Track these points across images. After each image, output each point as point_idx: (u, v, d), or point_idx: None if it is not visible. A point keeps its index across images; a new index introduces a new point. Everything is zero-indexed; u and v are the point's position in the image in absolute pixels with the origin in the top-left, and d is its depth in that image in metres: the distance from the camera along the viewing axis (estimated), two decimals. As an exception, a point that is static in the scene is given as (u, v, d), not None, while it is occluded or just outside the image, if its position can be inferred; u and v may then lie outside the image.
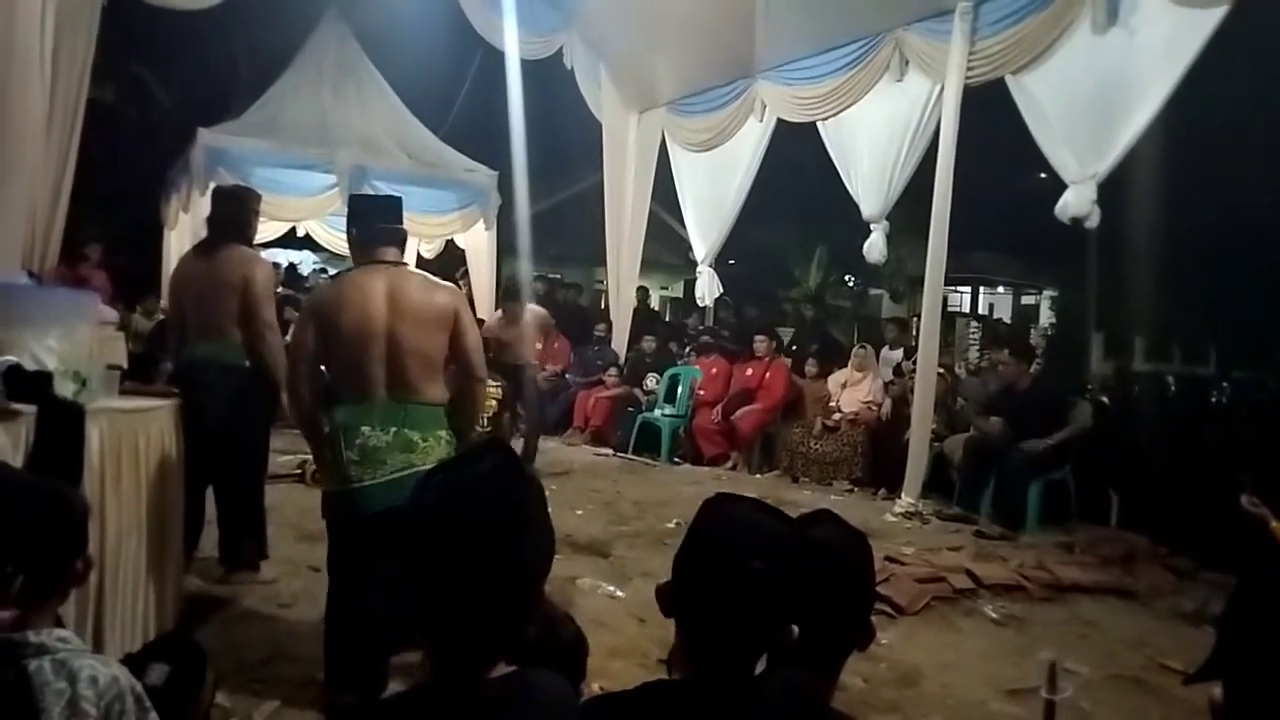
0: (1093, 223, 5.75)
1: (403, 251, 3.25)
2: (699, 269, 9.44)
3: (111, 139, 10.06)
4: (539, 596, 1.20)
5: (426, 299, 3.06)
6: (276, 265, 11.02)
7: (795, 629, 1.26)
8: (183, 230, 9.15)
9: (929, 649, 3.86)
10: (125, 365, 3.53)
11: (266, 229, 9.59)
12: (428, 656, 1.18)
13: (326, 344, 3.03)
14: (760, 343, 8.51)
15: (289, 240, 12.34)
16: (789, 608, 1.26)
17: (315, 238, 12.04)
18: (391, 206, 3.31)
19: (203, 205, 7.59)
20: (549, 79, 10.05)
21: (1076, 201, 5.64)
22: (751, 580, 1.22)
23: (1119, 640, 4.11)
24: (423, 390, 3.02)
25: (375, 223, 3.19)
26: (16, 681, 1.50)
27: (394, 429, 2.96)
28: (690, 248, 9.85)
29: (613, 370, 9.34)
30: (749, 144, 8.56)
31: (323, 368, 3.15)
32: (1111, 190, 5.78)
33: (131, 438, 2.96)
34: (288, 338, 4.33)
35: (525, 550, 1.17)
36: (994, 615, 4.33)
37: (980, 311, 19.37)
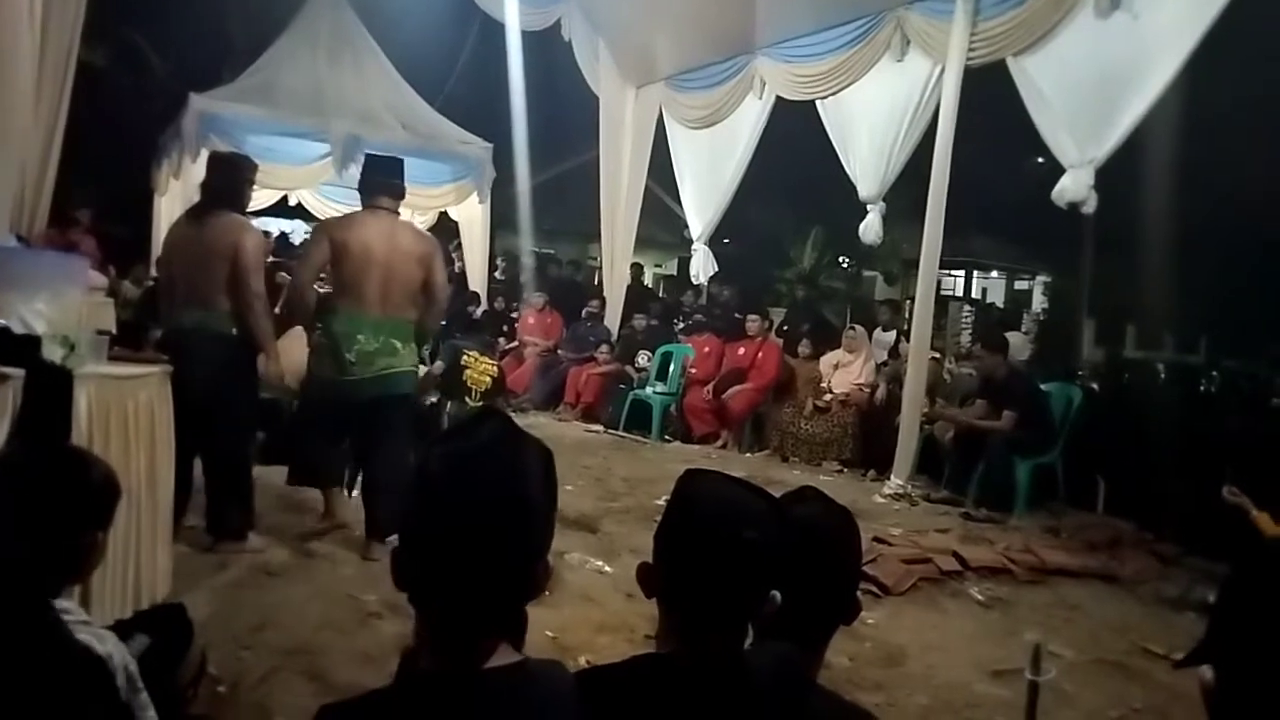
0: (1089, 208, 5.73)
1: (399, 204, 4.21)
2: (694, 246, 9.41)
3: (103, 103, 9.92)
4: (542, 570, 1.15)
5: (414, 242, 4.12)
6: (267, 234, 10.94)
7: (777, 596, 1.26)
8: (173, 197, 9.08)
9: (914, 629, 3.88)
10: (114, 331, 3.51)
11: (258, 197, 9.45)
12: (422, 641, 1.12)
13: (334, 263, 3.98)
14: (753, 322, 8.49)
15: (281, 209, 12.22)
16: (772, 580, 1.25)
17: (307, 207, 11.84)
18: (395, 166, 4.31)
19: (194, 172, 7.54)
20: (546, 51, 9.95)
21: (1074, 186, 5.62)
22: (734, 552, 1.21)
23: (1103, 624, 4.14)
24: (404, 310, 4.07)
25: (379, 176, 4.18)
26: None
27: (382, 338, 3.99)
28: (685, 225, 9.81)
29: (605, 347, 9.32)
30: (747, 121, 8.50)
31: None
32: (1108, 176, 5.77)
33: (120, 404, 2.93)
34: (277, 308, 4.36)
35: (527, 522, 1.11)
36: (979, 597, 4.36)
37: (974, 295, 19.35)
